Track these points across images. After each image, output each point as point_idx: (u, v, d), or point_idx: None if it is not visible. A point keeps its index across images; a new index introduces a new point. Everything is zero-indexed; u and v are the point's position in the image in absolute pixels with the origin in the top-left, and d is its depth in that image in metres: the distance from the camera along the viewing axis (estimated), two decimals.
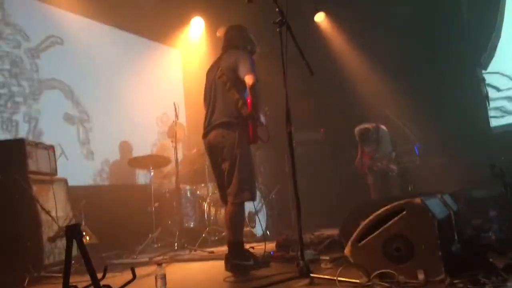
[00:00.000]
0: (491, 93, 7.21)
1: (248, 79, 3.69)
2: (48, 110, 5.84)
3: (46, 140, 5.43)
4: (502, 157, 5.94)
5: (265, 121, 3.93)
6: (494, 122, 7.34)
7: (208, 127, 3.90)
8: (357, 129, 6.61)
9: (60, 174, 4.83)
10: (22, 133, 5.44)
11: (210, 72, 4.06)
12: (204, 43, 8.12)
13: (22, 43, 5.69)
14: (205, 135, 3.95)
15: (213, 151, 3.89)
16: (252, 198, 3.82)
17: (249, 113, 3.72)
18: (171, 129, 6.40)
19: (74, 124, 6.21)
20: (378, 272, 2.53)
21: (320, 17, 8.25)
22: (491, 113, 7.31)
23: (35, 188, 4.19)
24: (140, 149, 6.96)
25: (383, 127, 6.52)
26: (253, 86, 3.68)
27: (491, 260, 2.64)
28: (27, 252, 3.95)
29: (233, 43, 4.06)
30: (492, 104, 7.28)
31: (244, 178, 3.74)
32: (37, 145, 4.50)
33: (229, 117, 3.80)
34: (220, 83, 3.88)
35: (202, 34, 8.13)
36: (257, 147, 6.90)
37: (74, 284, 2.21)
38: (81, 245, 2.23)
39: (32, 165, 4.30)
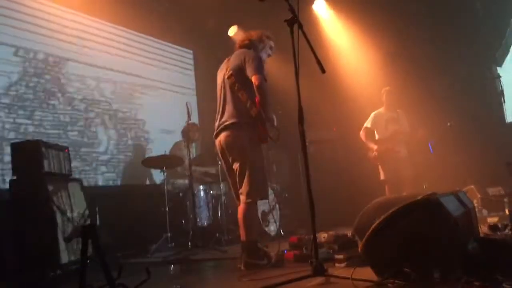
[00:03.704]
0: (507, 89, 7.12)
1: (255, 79, 3.69)
2: (61, 111, 5.89)
3: (61, 141, 5.49)
4: None
5: (276, 120, 3.93)
6: (510, 119, 7.24)
7: (219, 128, 3.92)
8: (375, 112, 6.50)
9: (75, 174, 4.88)
10: (36, 134, 5.50)
11: (220, 73, 4.08)
12: (216, 43, 8.12)
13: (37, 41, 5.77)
14: (216, 136, 3.97)
15: (224, 152, 3.92)
16: (264, 197, 3.83)
17: (257, 113, 3.73)
18: (185, 129, 6.42)
19: (88, 124, 6.26)
20: (393, 270, 2.51)
21: (328, 16, 8.24)
22: (507, 109, 7.22)
23: (50, 188, 4.24)
24: (154, 149, 6.99)
25: (399, 110, 6.46)
26: (259, 86, 3.67)
27: (507, 258, 2.61)
28: (43, 252, 3.99)
29: (244, 44, 4.08)
30: (508, 101, 7.19)
31: (255, 178, 3.75)
32: (52, 146, 4.55)
33: (238, 117, 3.81)
34: (229, 84, 3.89)
35: (214, 34, 8.13)
36: (270, 147, 6.89)
37: (90, 283, 2.23)
38: (96, 245, 2.25)
39: (47, 166, 4.34)
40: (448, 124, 6.18)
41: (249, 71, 3.75)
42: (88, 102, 6.30)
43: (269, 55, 4.17)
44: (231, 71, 3.89)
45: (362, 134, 6.48)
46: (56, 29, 6.01)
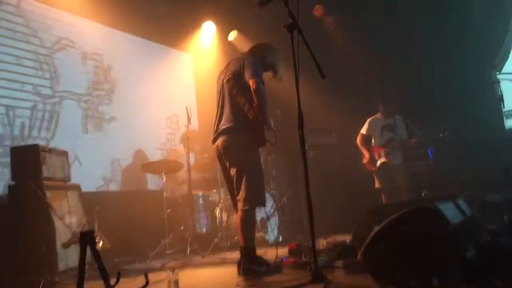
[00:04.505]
0: (506, 95, 7.13)
1: (252, 83, 3.70)
2: (61, 115, 5.89)
3: (60, 145, 5.48)
4: None
5: (272, 123, 3.94)
6: (508, 125, 7.25)
7: (216, 133, 3.92)
8: (371, 119, 6.48)
9: (74, 180, 4.87)
10: (35, 138, 5.49)
11: (219, 78, 4.09)
12: (215, 48, 8.14)
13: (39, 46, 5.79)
14: (214, 140, 3.97)
15: (222, 157, 3.91)
16: (261, 204, 3.81)
17: (255, 117, 3.73)
18: (184, 136, 6.44)
19: (87, 129, 6.25)
20: (392, 278, 2.51)
21: (330, 20, 8.23)
22: (506, 115, 7.23)
23: (49, 194, 4.23)
24: (153, 155, 6.98)
25: (397, 116, 6.44)
26: (256, 90, 3.68)
27: (506, 265, 2.60)
28: (41, 257, 3.98)
29: (247, 51, 4.11)
30: (507, 106, 7.20)
31: (252, 184, 3.74)
32: (51, 151, 4.54)
33: (235, 122, 3.81)
34: (228, 88, 3.91)
35: (214, 39, 8.15)
36: (269, 152, 6.89)
37: None
38: (94, 251, 2.24)
39: (46, 171, 4.34)
40: (440, 135, 6.16)
41: (247, 74, 3.77)
42: (86, 105, 6.30)
43: (270, 69, 4.15)
44: (229, 76, 3.91)
45: (358, 140, 6.49)
46: (52, 27, 6.03)
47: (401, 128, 6.33)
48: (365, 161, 6.35)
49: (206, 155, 6.63)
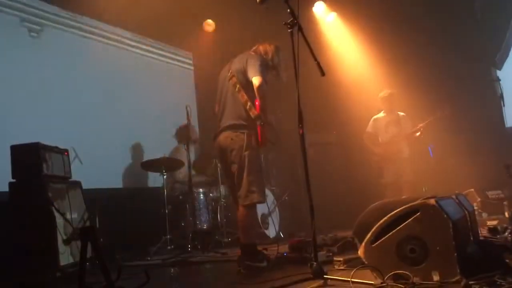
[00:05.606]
0: (506, 92, 7.13)
1: (255, 81, 3.71)
2: (61, 113, 5.89)
3: (60, 143, 5.48)
4: None
5: (273, 122, 3.95)
6: (509, 122, 7.25)
7: (218, 130, 3.92)
8: (375, 117, 6.49)
9: (74, 177, 4.87)
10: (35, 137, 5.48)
11: (222, 75, 4.09)
12: (216, 45, 8.12)
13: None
14: (215, 137, 3.97)
15: (223, 153, 3.92)
16: (261, 200, 3.82)
17: (257, 115, 3.73)
18: (181, 131, 6.42)
19: (87, 127, 6.24)
20: (393, 273, 2.51)
21: (331, 18, 8.23)
22: (506, 112, 7.23)
23: (50, 191, 4.23)
24: (153, 152, 6.98)
25: (400, 113, 6.44)
26: (259, 87, 3.69)
27: (507, 261, 2.61)
28: (42, 254, 3.99)
29: (252, 50, 4.10)
30: (508, 104, 7.19)
31: (253, 180, 3.75)
32: (52, 148, 4.53)
33: (238, 119, 3.82)
34: (230, 86, 3.91)
35: (214, 36, 8.13)
36: (269, 149, 6.89)
37: (89, 285, 2.23)
38: (95, 247, 2.25)
39: (46, 169, 4.34)
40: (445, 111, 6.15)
41: (250, 72, 3.77)
42: (85, 102, 6.30)
43: (274, 69, 4.11)
44: (232, 73, 3.91)
45: (364, 139, 6.52)
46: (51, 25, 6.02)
47: (406, 123, 6.34)
48: (375, 158, 6.37)
49: (205, 153, 6.62)
